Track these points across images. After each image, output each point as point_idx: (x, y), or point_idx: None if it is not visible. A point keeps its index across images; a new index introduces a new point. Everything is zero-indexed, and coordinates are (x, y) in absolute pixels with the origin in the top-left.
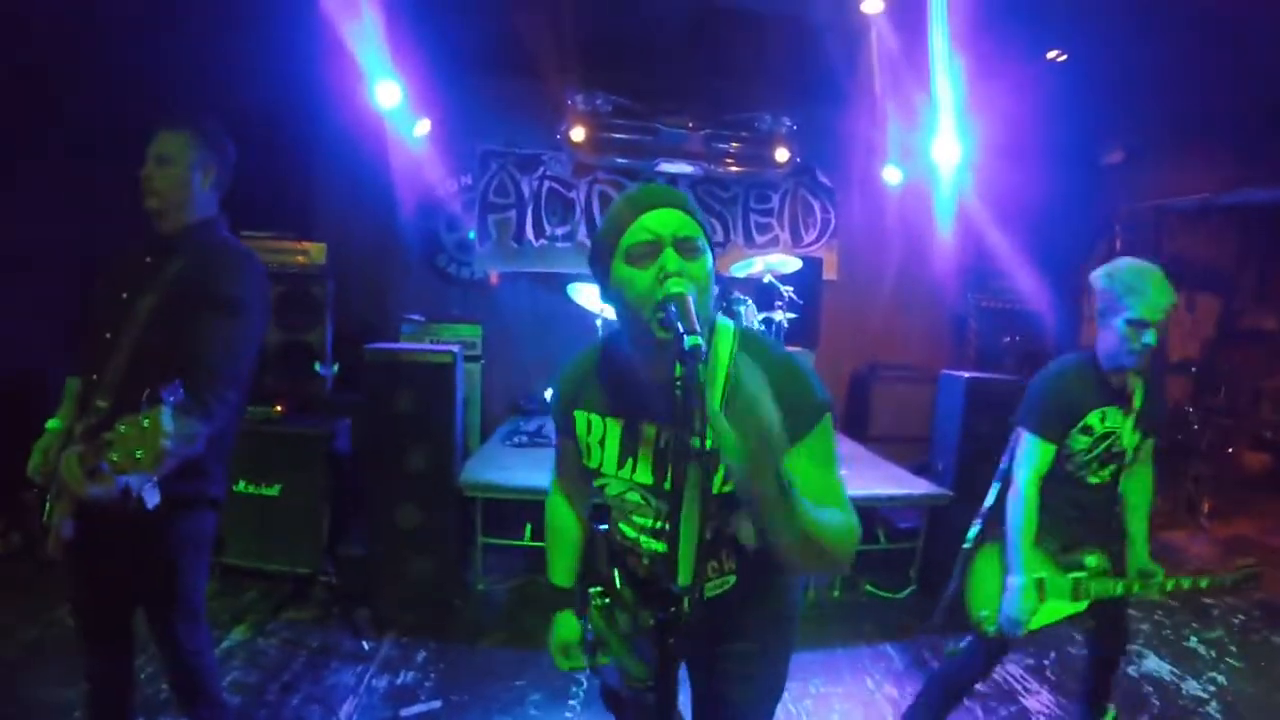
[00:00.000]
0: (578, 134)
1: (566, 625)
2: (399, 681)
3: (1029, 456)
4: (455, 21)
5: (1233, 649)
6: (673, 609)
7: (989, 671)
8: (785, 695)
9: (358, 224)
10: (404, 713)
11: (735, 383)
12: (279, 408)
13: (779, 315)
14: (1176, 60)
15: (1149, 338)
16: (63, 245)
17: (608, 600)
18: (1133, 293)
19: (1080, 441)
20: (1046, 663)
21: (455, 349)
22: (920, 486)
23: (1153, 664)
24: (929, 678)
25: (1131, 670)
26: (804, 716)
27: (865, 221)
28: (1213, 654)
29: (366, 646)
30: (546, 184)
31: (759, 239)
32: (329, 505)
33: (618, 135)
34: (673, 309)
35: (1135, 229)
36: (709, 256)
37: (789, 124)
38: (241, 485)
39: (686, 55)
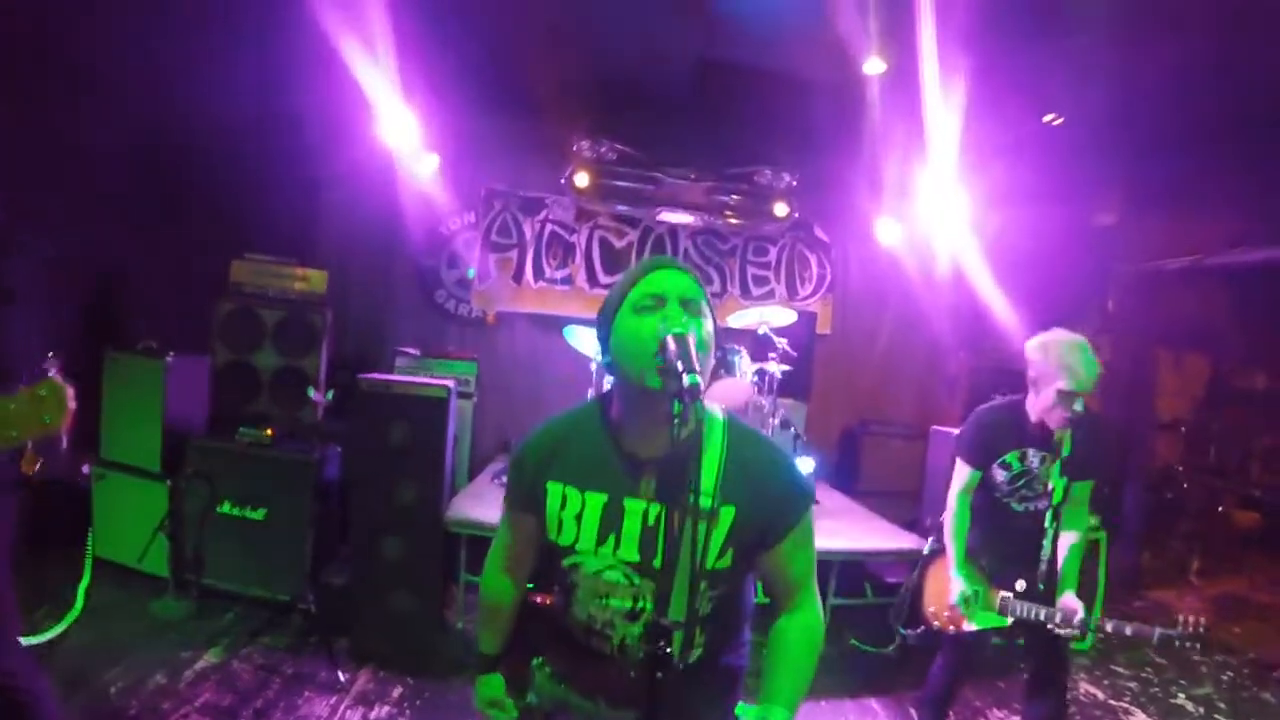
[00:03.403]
0: (582, 179)
1: (492, 685)
2: (373, 715)
3: (957, 476)
4: (467, 63)
5: (1221, 705)
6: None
7: (967, 671)
8: None
9: (358, 255)
10: None
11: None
12: (269, 431)
13: (773, 366)
14: (1168, 124)
15: (1079, 406)
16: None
17: (549, 669)
18: (1065, 369)
19: (999, 475)
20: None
21: (449, 384)
22: (908, 541)
23: (1139, 719)
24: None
25: None
26: None
27: (861, 278)
28: (1201, 710)
29: (342, 678)
30: (549, 227)
31: (755, 291)
32: (313, 532)
33: (621, 183)
34: (673, 348)
35: (1127, 290)
36: (710, 321)
37: (789, 179)
38: (227, 507)
39: (692, 108)
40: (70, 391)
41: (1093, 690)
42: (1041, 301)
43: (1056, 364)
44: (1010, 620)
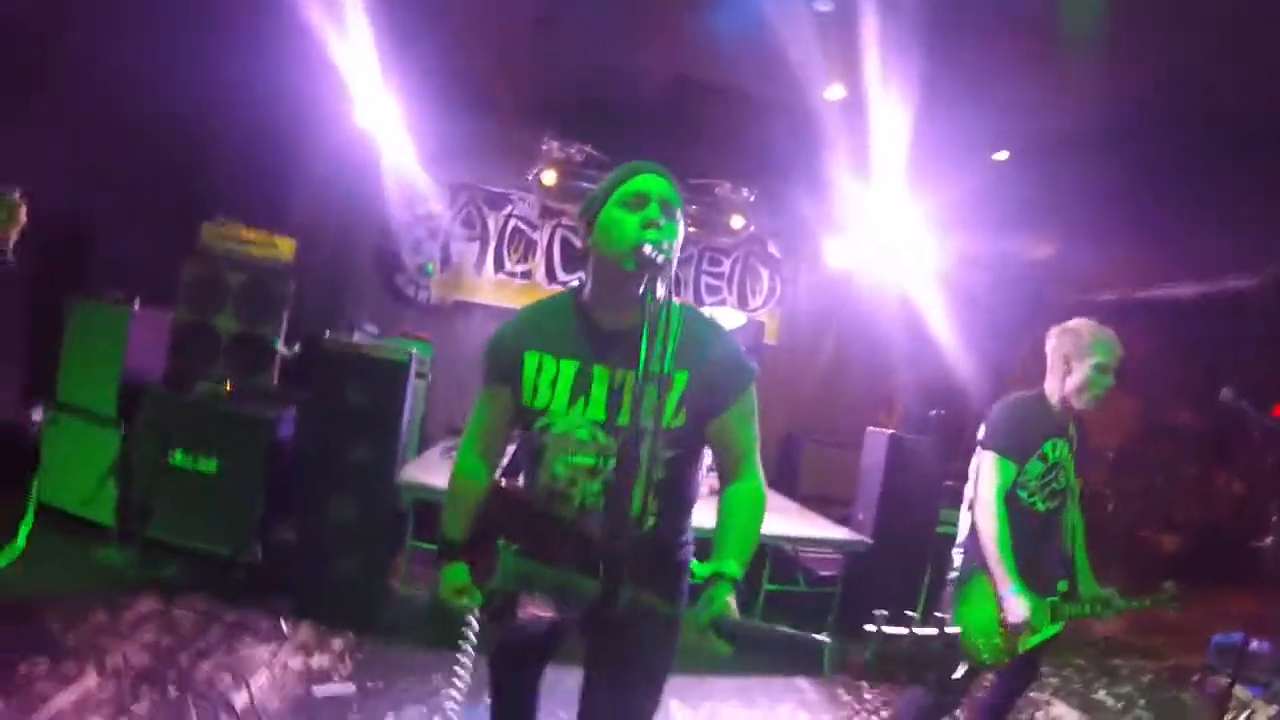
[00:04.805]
0: (549, 177)
1: (457, 572)
2: (314, 663)
3: (993, 475)
4: (445, 61)
5: (1141, 703)
6: (620, 534)
7: (963, 698)
8: (698, 712)
9: (325, 232)
10: (317, 691)
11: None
12: (229, 386)
13: None
14: (1104, 162)
15: (1110, 380)
16: None
17: (514, 547)
18: (1099, 344)
19: (1036, 467)
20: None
21: (412, 351)
22: (841, 533)
23: (1062, 711)
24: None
25: (1040, 715)
26: None
27: (809, 295)
28: (1120, 705)
29: (285, 627)
30: (512, 221)
31: (708, 299)
32: (264, 490)
33: (587, 184)
34: (649, 251)
35: (1058, 321)
36: (681, 225)
37: (747, 194)
38: (179, 458)
39: (660, 119)
40: (24, 208)
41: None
42: (978, 325)
43: (1090, 340)
44: (1062, 626)
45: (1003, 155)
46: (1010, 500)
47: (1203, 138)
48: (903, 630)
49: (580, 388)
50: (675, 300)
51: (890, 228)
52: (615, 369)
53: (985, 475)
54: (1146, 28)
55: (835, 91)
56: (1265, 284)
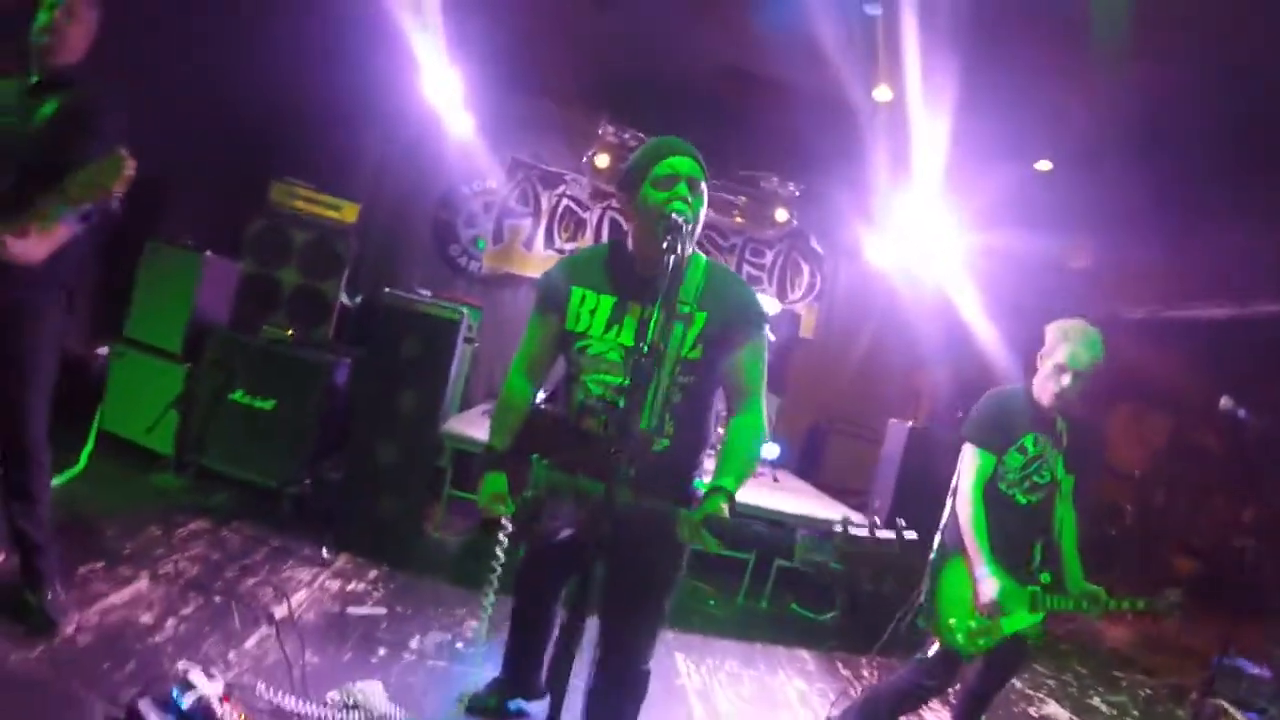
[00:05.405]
0: (602, 160)
1: (496, 480)
2: (350, 588)
3: (972, 465)
4: (509, 41)
5: (1135, 713)
6: (630, 446)
7: (945, 687)
8: (700, 667)
9: (385, 199)
10: (350, 610)
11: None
12: (290, 332)
13: None
14: (1141, 171)
15: (1067, 380)
16: None
17: (546, 461)
18: (1067, 343)
19: (1015, 459)
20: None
21: (463, 310)
22: (856, 518)
23: (1054, 709)
24: (871, 694)
25: (1032, 711)
26: (717, 688)
27: (847, 291)
28: (1114, 713)
29: (326, 554)
30: (564, 201)
31: None
32: (315, 430)
33: None
34: (677, 219)
35: None
36: (705, 198)
37: (793, 188)
38: (239, 395)
39: (711, 109)
40: (131, 163)
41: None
42: (1011, 331)
43: (1060, 338)
44: (1043, 616)
45: (1045, 165)
46: (990, 490)
47: (1237, 149)
48: (864, 532)
49: (615, 318)
50: (705, 257)
51: (930, 229)
52: (645, 305)
53: (965, 465)
54: (1184, 35)
55: (883, 93)
56: None
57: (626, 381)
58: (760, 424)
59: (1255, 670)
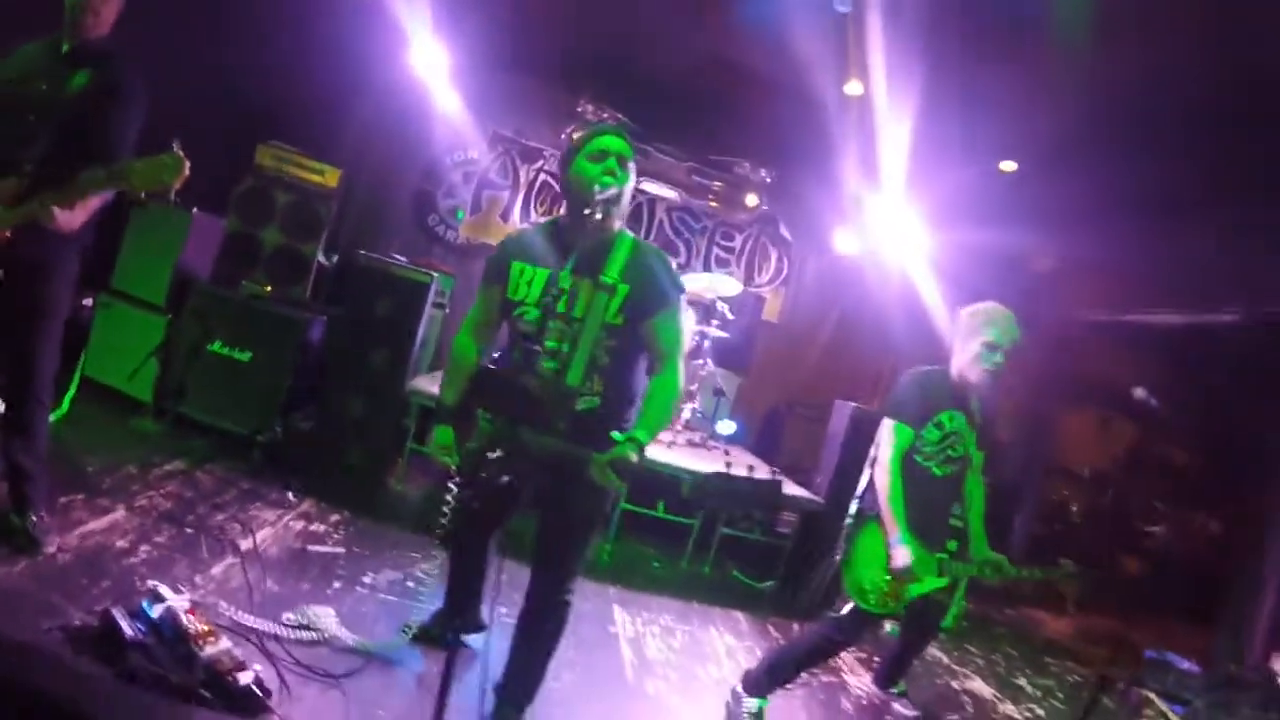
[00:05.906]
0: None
1: (445, 434)
2: (313, 528)
3: (889, 439)
4: (494, 16)
5: (1059, 695)
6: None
7: (852, 643)
8: (636, 620)
9: (368, 165)
10: (311, 548)
11: (633, 255)
12: (269, 288)
13: (714, 331)
14: (1109, 181)
15: (1000, 357)
16: None
17: (490, 415)
18: (991, 323)
19: (933, 434)
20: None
21: (434, 275)
22: (799, 493)
23: (978, 685)
24: (784, 645)
25: (955, 684)
26: (650, 638)
27: (815, 278)
28: (1039, 693)
29: (291, 497)
30: (542, 176)
31: (716, 271)
32: (289, 382)
33: None
34: (605, 194)
35: (1047, 334)
36: (633, 175)
37: (765, 175)
38: (217, 346)
39: (690, 95)
40: (187, 163)
41: (938, 654)
42: None
43: (984, 320)
44: (949, 581)
45: (1011, 165)
46: (907, 462)
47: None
48: (742, 473)
49: (548, 289)
50: (631, 235)
51: (897, 222)
52: (576, 277)
53: (884, 438)
54: (1150, 36)
55: (854, 87)
56: (1248, 320)
57: (559, 345)
58: (675, 383)
59: (1184, 665)
